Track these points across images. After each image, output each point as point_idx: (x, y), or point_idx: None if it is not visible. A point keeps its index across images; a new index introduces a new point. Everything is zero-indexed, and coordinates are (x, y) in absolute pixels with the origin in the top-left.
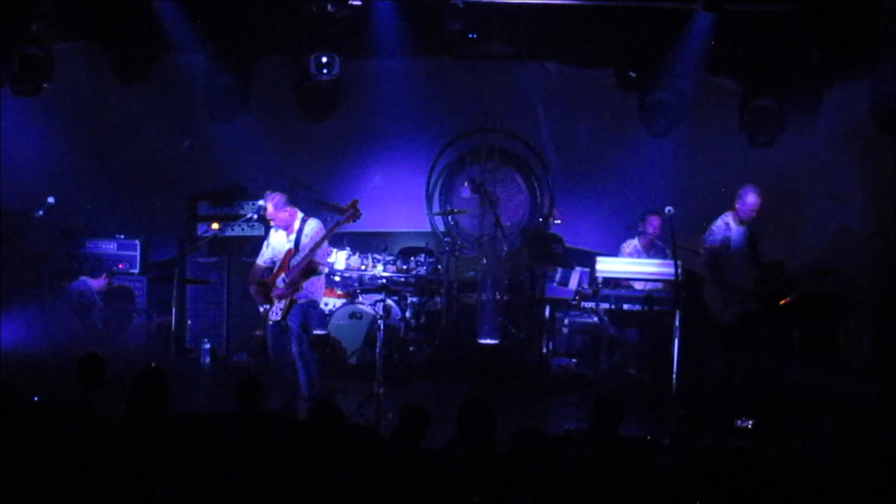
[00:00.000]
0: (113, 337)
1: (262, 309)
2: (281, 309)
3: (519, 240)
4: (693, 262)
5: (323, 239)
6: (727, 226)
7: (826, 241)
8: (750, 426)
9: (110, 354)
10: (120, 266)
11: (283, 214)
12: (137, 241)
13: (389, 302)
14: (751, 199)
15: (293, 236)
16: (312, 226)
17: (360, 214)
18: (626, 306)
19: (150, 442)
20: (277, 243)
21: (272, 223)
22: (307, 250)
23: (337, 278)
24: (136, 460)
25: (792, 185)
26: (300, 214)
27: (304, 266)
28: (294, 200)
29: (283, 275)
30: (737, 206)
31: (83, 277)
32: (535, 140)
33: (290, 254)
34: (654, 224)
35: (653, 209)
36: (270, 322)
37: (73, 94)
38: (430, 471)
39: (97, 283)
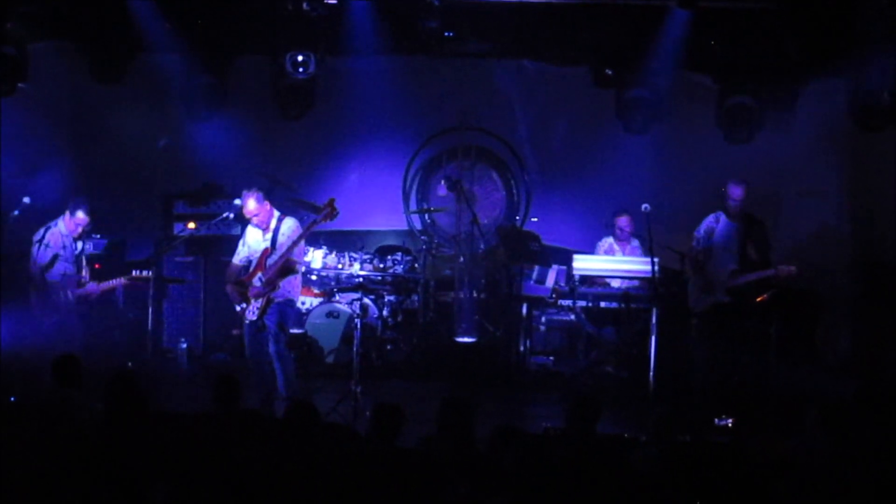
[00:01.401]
0: (89, 336)
1: (238, 308)
2: (258, 308)
3: (496, 238)
4: (669, 260)
5: (300, 238)
6: (715, 218)
7: (804, 238)
8: (729, 424)
9: (87, 354)
10: (96, 266)
11: (265, 209)
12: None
13: (366, 301)
14: (733, 191)
15: (269, 235)
16: (289, 224)
17: (337, 213)
18: (603, 304)
19: (129, 443)
20: (254, 242)
21: (254, 220)
22: (284, 249)
23: (313, 277)
24: (115, 461)
25: (770, 182)
26: (276, 213)
27: (281, 265)
28: (271, 199)
29: (259, 274)
30: (726, 200)
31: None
32: (511, 138)
33: (267, 253)
34: (622, 223)
35: (621, 209)
36: (247, 321)
37: (49, 93)
38: (407, 469)
39: (71, 227)
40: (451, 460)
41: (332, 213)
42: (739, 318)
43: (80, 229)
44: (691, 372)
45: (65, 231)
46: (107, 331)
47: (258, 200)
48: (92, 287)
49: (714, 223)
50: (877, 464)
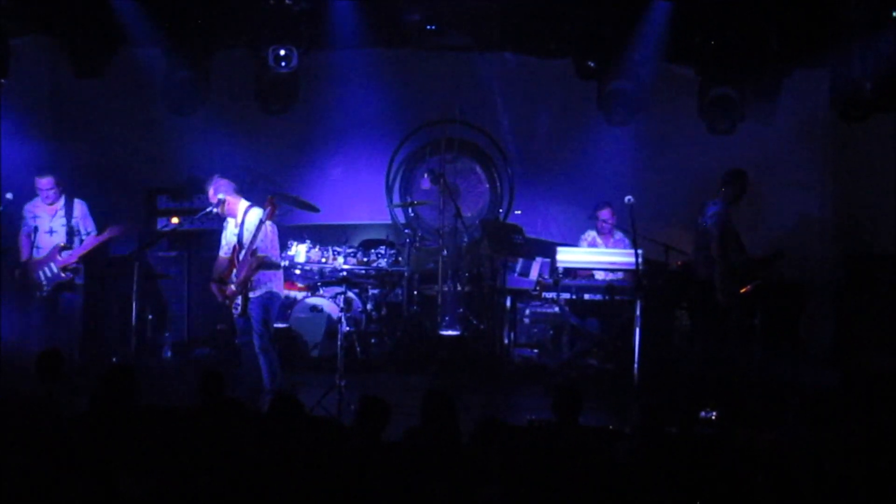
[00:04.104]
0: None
1: (225, 302)
2: (239, 304)
3: (479, 231)
4: (653, 251)
5: (257, 233)
6: (723, 209)
7: (786, 228)
8: (713, 417)
9: (69, 349)
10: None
11: (229, 199)
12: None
13: (350, 294)
14: (743, 178)
15: (237, 229)
16: (251, 219)
17: (276, 208)
18: (587, 296)
19: (112, 436)
20: (229, 234)
21: (220, 210)
22: (247, 244)
23: (297, 271)
24: (98, 454)
25: (752, 173)
26: (243, 205)
27: (251, 262)
28: (254, 193)
29: (234, 271)
30: (736, 189)
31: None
32: (494, 131)
33: (236, 250)
34: (604, 216)
35: (602, 201)
36: (234, 314)
37: (32, 88)
38: (392, 462)
39: (42, 196)
40: (436, 453)
41: (273, 211)
42: (726, 310)
43: (49, 194)
44: (689, 366)
45: (38, 203)
46: (92, 327)
47: (216, 190)
48: (67, 255)
49: (726, 215)
50: (859, 454)
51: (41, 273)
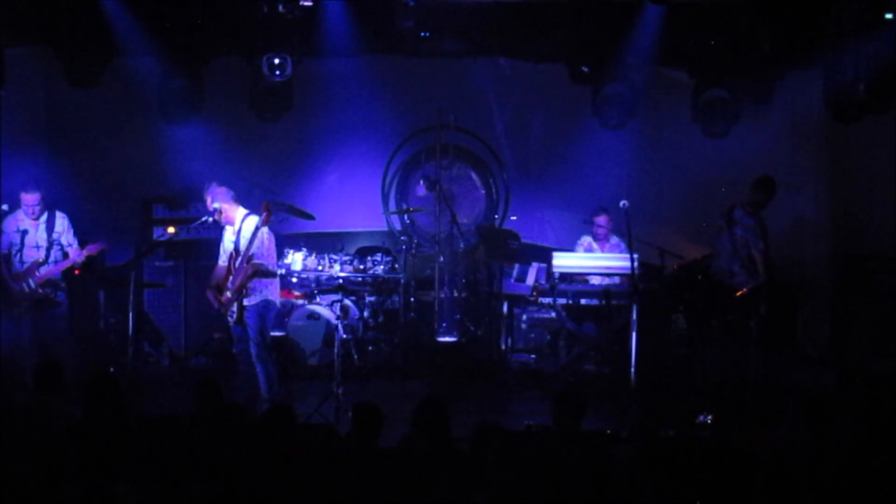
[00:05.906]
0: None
1: (221, 310)
2: (234, 312)
3: (475, 236)
4: (648, 255)
5: (252, 240)
6: (760, 220)
7: (781, 230)
8: (710, 421)
9: (67, 359)
10: (76, 272)
11: (224, 207)
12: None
13: (347, 302)
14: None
15: (234, 237)
16: (248, 226)
17: (272, 215)
18: (583, 301)
19: (107, 444)
20: (227, 242)
21: (218, 218)
22: (243, 251)
23: (294, 279)
24: (93, 463)
25: (746, 175)
26: (241, 212)
27: (247, 269)
28: (249, 201)
29: (230, 278)
30: (765, 195)
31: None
32: (489, 136)
33: (233, 257)
34: (601, 221)
35: (599, 207)
36: (230, 323)
37: (26, 99)
38: (387, 468)
39: (27, 211)
40: (430, 458)
41: (268, 218)
42: (723, 311)
43: (35, 210)
44: (686, 369)
45: (21, 217)
46: (89, 336)
47: (213, 199)
48: (45, 271)
49: (761, 224)
50: (857, 454)
51: (22, 288)
